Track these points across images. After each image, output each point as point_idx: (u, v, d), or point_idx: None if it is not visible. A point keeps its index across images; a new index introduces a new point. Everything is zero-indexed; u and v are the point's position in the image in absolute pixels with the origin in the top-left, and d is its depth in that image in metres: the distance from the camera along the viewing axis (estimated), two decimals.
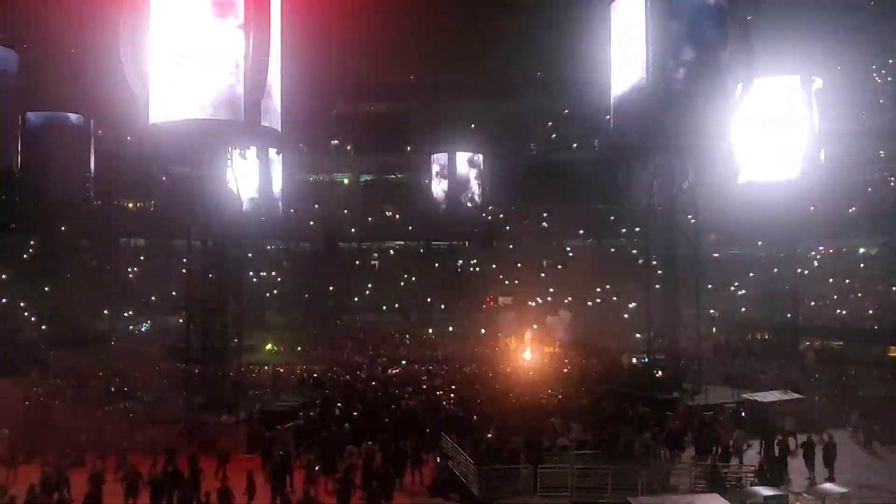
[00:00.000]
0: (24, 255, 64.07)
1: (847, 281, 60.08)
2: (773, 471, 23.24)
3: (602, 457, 23.30)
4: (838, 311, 57.67)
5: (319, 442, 26.14)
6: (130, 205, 76.70)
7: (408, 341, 62.44)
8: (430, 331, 65.67)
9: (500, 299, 73.32)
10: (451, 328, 66.50)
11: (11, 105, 49.16)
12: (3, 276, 57.70)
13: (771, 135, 50.39)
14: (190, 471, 22.38)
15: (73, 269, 61.54)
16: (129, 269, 67.80)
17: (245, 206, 40.04)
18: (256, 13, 33.34)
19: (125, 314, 63.89)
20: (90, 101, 67.40)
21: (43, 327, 56.20)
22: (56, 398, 34.55)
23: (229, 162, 35.56)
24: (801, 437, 26.55)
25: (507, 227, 79.69)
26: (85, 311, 59.85)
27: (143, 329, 64.15)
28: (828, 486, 21.44)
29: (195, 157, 36.10)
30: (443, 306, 67.28)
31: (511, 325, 63.72)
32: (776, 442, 25.68)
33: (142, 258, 70.58)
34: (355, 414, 30.50)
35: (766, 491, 20.34)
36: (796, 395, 33.23)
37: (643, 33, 39.31)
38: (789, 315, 50.74)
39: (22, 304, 56.70)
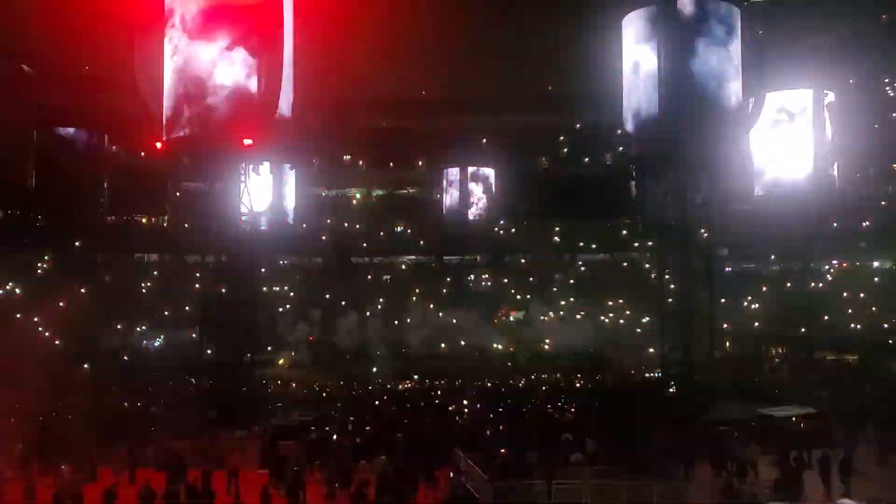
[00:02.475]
0: (39, 271, 64.50)
1: (862, 295, 59.66)
2: (788, 486, 23.03)
3: (616, 472, 23.14)
4: (853, 325, 57.23)
5: (332, 457, 26.08)
6: (144, 220, 77.14)
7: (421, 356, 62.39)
8: (443, 345, 65.58)
9: (513, 314, 73.22)
10: (462, 343, 66.41)
11: (26, 122, 49.53)
12: (18, 291, 58.06)
13: (783, 149, 50.18)
14: (203, 486, 22.37)
15: (86, 284, 61.89)
16: (143, 285, 68.15)
17: (257, 221, 40.16)
18: (269, 31, 33.63)
19: (139, 329, 64.18)
20: (104, 117, 68.01)
21: (57, 342, 56.43)
22: (70, 413, 34.66)
23: (242, 178, 35.78)
24: (817, 452, 26.29)
25: (519, 242, 79.65)
26: (99, 326, 60.14)
27: (156, 344, 64.38)
28: (845, 501, 21.23)
29: (208, 172, 36.38)
30: (454, 321, 67.16)
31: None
32: (792, 457, 25.44)
33: (155, 273, 70.93)
34: (368, 429, 30.44)
35: None
36: (811, 410, 32.96)
37: (654, 48, 39.36)
38: (804, 329, 50.31)
39: (36, 319, 56.98)
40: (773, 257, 60.12)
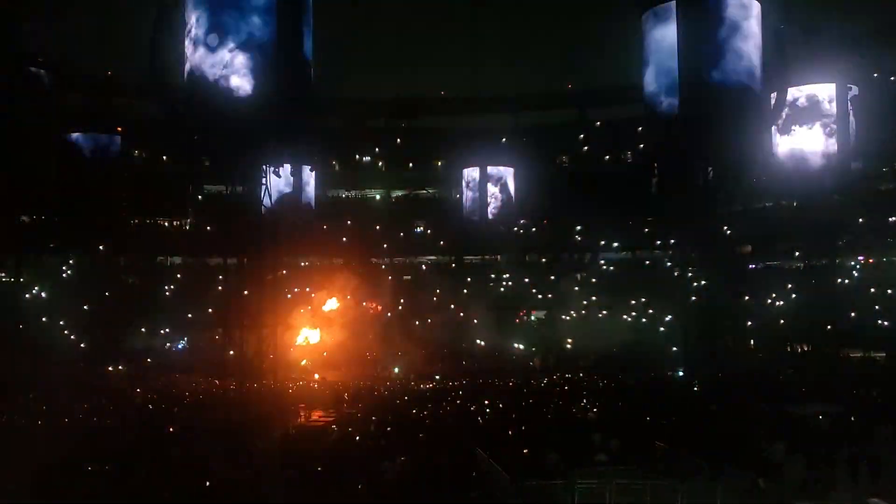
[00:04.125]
0: (63, 274, 65.24)
1: (889, 291, 58.82)
2: (815, 485, 22.72)
3: (640, 472, 22.94)
4: (880, 322, 56.46)
5: (355, 457, 26.06)
6: (166, 223, 77.84)
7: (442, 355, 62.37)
8: (464, 345, 65.54)
9: (534, 313, 73.04)
10: (483, 342, 66.31)
11: (47, 126, 50.01)
12: (43, 295, 58.71)
13: (807, 143, 49.51)
14: (229, 486, 22.42)
15: (110, 287, 62.48)
16: (166, 287, 68.71)
17: (278, 222, 40.38)
18: (290, 35, 33.76)
19: (162, 331, 64.71)
20: (125, 120, 68.64)
21: (82, 345, 57.01)
22: (94, 416, 34.95)
23: (263, 179, 35.96)
24: (845, 451, 25.89)
25: (540, 241, 79.44)
26: (122, 328, 60.69)
27: (180, 346, 64.89)
28: (874, 500, 20.89)
29: (229, 175, 36.64)
30: (475, 321, 67.12)
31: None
32: (819, 456, 25.10)
33: (178, 276, 71.52)
34: (389, 429, 30.41)
35: None
36: (839, 408, 32.54)
37: (675, 43, 39.06)
38: (830, 326, 49.62)
39: (61, 322, 57.61)
40: (797, 253, 59.46)
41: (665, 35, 39.80)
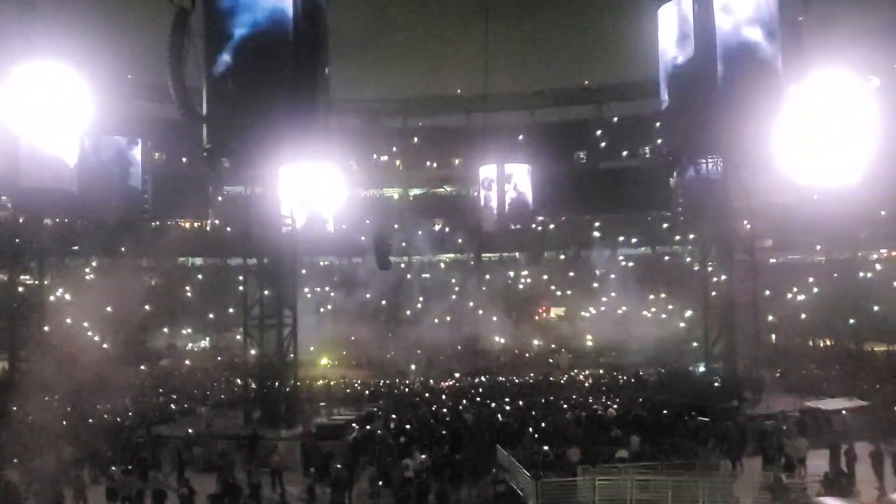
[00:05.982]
0: (86, 276, 65.93)
1: None
2: (839, 481, 22.59)
3: (661, 468, 22.89)
4: None
5: (375, 455, 26.20)
6: (187, 224, 78.47)
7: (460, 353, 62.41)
8: (484, 343, 65.56)
9: (553, 310, 72.97)
10: (502, 340, 66.29)
11: (70, 128, 50.40)
12: (66, 296, 59.31)
13: (827, 136, 48.94)
14: (248, 486, 22.63)
15: (132, 288, 63.03)
16: (187, 288, 69.27)
17: (297, 223, 40.48)
18: (306, 35, 33.88)
19: (184, 331, 65.27)
20: (146, 123, 69.21)
21: (105, 345, 57.56)
22: (118, 415, 35.32)
23: (282, 180, 36.14)
24: (868, 446, 25.68)
25: (558, 238, 79.34)
26: (145, 329, 61.26)
27: (201, 346, 65.43)
28: None
29: (249, 176, 36.85)
30: (494, 318, 67.15)
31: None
32: (843, 451, 24.94)
33: (199, 276, 72.10)
34: (410, 427, 30.52)
35: (833, 502, 19.74)
36: (862, 403, 32.29)
37: (691, 38, 38.78)
38: (852, 321, 49.12)
39: (84, 324, 58.21)
40: (818, 247, 58.93)
41: (681, 29, 39.56)
